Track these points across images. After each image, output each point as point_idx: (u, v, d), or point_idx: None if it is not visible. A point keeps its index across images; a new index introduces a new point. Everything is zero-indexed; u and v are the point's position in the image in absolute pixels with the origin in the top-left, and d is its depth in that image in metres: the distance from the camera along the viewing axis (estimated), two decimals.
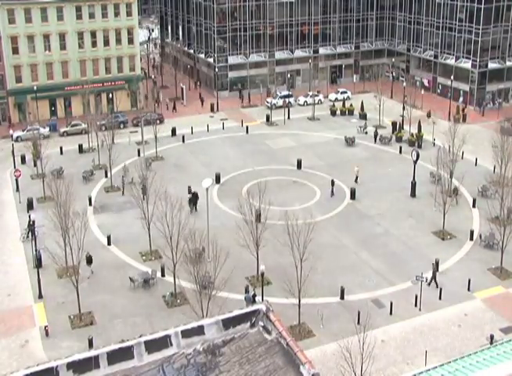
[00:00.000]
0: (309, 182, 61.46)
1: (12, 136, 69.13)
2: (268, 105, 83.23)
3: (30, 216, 46.32)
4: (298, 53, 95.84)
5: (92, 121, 66.31)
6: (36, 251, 44.48)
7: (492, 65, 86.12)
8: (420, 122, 72.13)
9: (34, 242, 43.86)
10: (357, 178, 61.00)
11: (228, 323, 17.13)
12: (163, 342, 16.46)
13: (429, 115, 79.61)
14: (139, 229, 47.97)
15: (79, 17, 79.61)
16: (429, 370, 18.10)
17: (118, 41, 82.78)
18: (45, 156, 58.75)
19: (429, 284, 42.96)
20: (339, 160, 67.49)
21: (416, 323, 39.71)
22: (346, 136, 72.82)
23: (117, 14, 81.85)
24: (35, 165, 61.98)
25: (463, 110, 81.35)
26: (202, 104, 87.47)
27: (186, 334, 16.71)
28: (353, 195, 57.77)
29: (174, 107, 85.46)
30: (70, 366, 15.60)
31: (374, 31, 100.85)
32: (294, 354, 16.02)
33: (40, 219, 46.47)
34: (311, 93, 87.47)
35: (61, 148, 69.47)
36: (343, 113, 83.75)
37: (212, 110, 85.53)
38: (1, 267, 46.49)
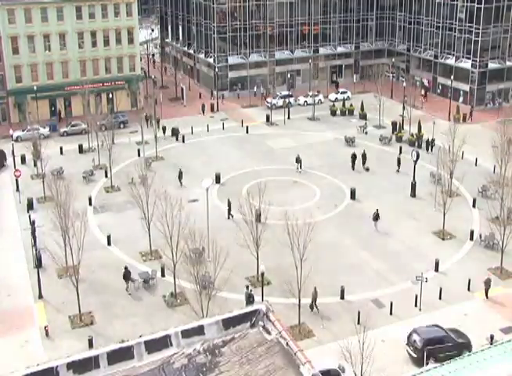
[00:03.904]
0: (309, 182, 61.46)
1: (12, 136, 69.14)
2: (268, 105, 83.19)
3: (30, 216, 46.31)
4: (298, 53, 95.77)
5: (92, 121, 66.31)
6: (36, 251, 44.48)
7: (492, 65, 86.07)
8: (419, 122, 72.11)
9: (34, 242, 43.84)
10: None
11: (228, 323, 17.13)
12: (163, 342, 16.46)
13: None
14: (139, 229, 47.98)
15: (79, 17, 79.61)
16: (429, 370, 18.11)
17: (118, 41, 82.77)
18: (45, 156, 58.77)
19: (312, 308, 40.15)
20: (339, 160, 67.46)
21: (416, 323, 39.67)
22: (346, 136, 72.84)
23: (117, 14, 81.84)
24: (35, 165, 61.97)
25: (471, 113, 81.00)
26: (203, 112, 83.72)
27: (186, 334, 16.71)
28: (353, 195, 57.76)
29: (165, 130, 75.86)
30: (70, 366, 15.60)
31: (374, 31, 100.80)
32: (294, 354, 16.02)
33: (40, 219, 46.45)
34: (311, 93, 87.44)
35: (61, 148, 69.50)
36: (343, 113, 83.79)
37: (212, 110, 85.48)
38: (1, 267, 46.50)
